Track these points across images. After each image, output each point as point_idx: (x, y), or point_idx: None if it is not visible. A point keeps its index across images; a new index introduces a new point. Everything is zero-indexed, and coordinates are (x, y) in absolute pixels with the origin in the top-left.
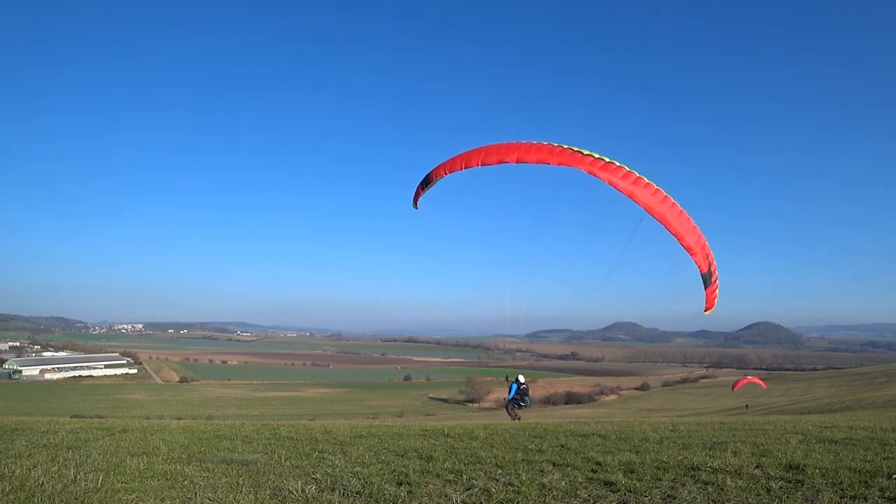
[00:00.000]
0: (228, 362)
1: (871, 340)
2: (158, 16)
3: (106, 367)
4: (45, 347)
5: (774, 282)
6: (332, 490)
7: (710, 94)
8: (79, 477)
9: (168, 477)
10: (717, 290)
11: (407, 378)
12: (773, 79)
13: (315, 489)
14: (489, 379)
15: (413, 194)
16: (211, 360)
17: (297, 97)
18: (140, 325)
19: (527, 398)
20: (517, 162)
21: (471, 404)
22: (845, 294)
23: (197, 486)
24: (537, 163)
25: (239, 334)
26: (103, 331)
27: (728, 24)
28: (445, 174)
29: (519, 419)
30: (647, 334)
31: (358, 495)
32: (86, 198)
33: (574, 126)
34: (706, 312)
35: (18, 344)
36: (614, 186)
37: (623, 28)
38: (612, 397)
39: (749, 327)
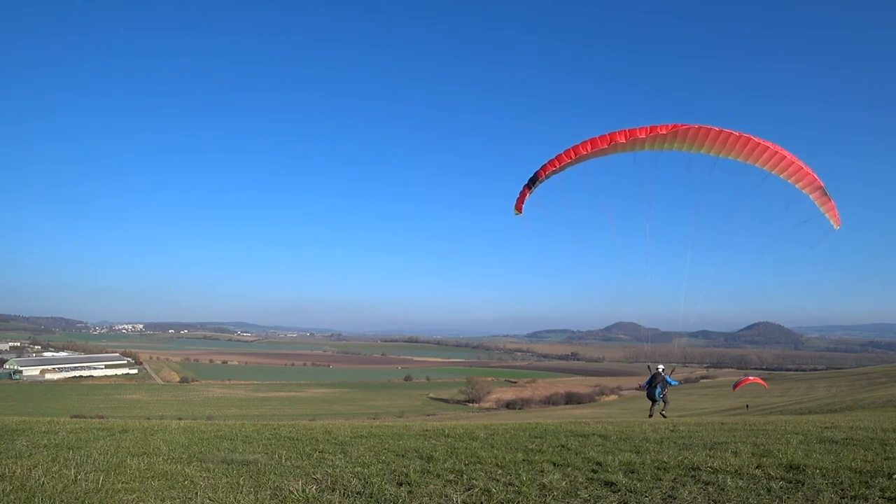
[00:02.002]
0: (229, 362)
1: (871, 340)
2: (158, 16)
3: (106, 367)
4: (45, 348)
5: (775, 282)
6: (333, 490)
7: (710, 93)
8: (79, 477)
9: (168, 477)
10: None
11: (407, 378)
12: (773, 78)
13: (315, 489)
14: (489, 379)
15: (516, 199)
16: (211, 361)
17: (298, 97)
18: (140, 326)
19: (651, 390)
20: (627, 139)
21: (471, 404)
22: (845, 294)
23: (197, 486)
24: (646, 136)
25: (239, 334)
26: (104, 331)
27: (728, 24)
28: (556, 168)
29: (651, 416)
30: (647, 334)
31: (358, 495)
32: (86, 198)
33: (575, 125)
34: (836, 227)
35: (19, 344)
36: (717, 139)
37: (624, 28)
38: (613, 397)
39: (749, 327)
